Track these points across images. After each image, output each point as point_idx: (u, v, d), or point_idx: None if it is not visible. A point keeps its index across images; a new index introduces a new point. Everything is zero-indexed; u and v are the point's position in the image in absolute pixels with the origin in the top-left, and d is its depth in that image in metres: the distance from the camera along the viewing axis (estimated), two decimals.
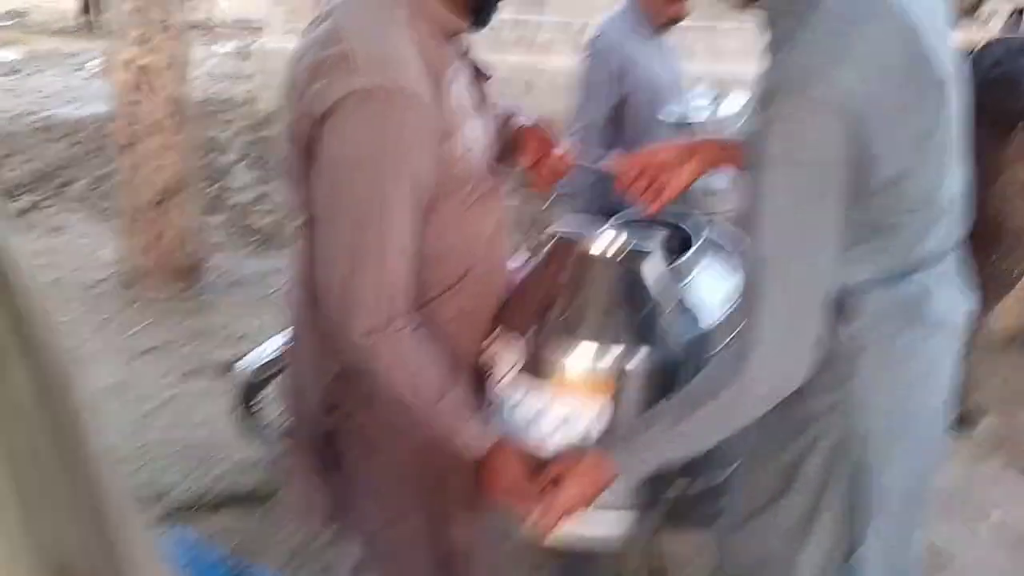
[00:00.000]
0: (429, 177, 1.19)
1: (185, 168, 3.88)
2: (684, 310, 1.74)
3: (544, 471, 1.26)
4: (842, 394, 1.19)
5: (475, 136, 1.28)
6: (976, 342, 3.65)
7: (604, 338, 1.29)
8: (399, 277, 1.18)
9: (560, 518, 1.25)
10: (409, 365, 1.21)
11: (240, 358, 2.59)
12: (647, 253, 1.37)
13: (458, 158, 1.23)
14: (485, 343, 1.37)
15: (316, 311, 1.31)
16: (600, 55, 2.66)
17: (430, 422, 1.25)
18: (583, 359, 1.28)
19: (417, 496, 1.43)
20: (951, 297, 1.24)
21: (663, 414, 1.20)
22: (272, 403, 2.74)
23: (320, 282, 1.21)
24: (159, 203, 3.83)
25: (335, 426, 1.40)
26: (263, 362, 2.46)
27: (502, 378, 1.33)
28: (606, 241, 1.34)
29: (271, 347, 2.50)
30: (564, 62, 7.49)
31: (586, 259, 1.35)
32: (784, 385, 1.13)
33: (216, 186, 5.58)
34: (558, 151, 1.40)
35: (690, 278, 1.76)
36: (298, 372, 1.44)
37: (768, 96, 1.03)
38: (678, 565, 2.23)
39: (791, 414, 1.23)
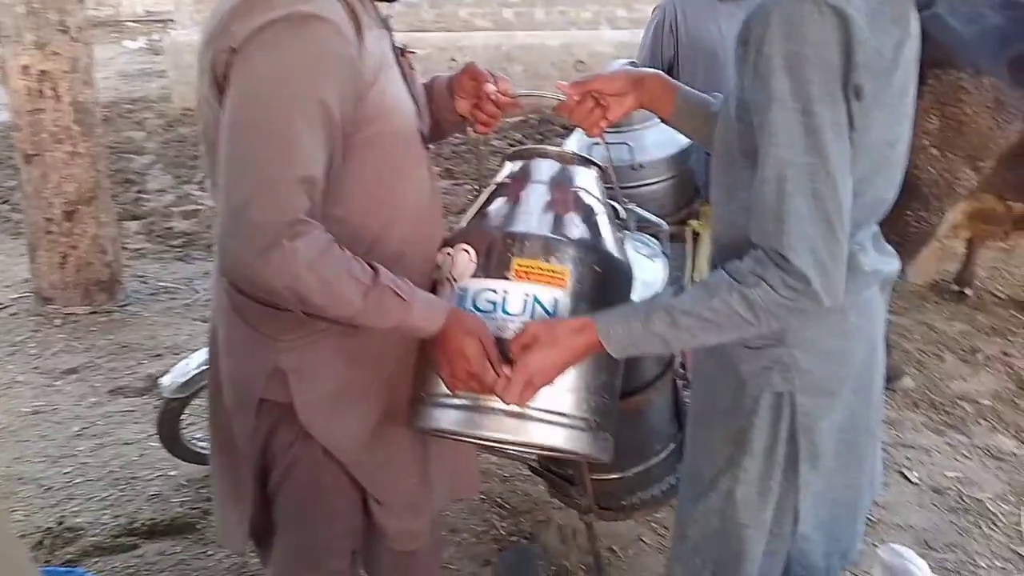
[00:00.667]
0: (345, 110, 1.15)
1: (96, 176, 3.72)
2: None
3: (516, 341, 1.21)
4: (777, 352, 1.21)
5: (402, 100, 1.27)
6: (893, 298, 3.79)
7: (555, 234, 1.28)
8: (304, 201, 1.11)
9: (532, 386, 1.18)
10: (329, 263, 1.13)
11: (162, 375, 2.51)
12: (594, 164, 1.40)
13: (384, 111, 1.21)
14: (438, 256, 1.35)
15: (244, 307, 1.28)
16: (660, 8, 2.62)
17: (371, 314, 1.16)
18: (536, 252, 1.26)
19: (353, 498, 1.41)
20: (880, 251, 1.29)
21: (672, 297, 1.17)
22: (199, 420, 2.67)
23: (221, 210, 1.14)
24: (70, 214, 3.66)
25: (271, 429, 1.35)
26: (186, 378, 2.39)
27: (456, 281, 1.29)
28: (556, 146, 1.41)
29: (194, 362, 2.43)
30: (486, 38, 7.47)
31: (536, 158, 1.37)
32: (829, 292, 1.07)
33: (133, 190, 5.38)
34: (494, 87, 1.39)
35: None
36: (227, 379, 1.38)
37: (764, 10, 1.06)
38: (622, 547, 2.25)
39: (730, 377, 1.26)
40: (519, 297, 1.25)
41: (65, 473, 2.67)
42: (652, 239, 1.85)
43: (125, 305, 3.93)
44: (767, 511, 1.30)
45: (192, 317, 3.80)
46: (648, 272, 1.78)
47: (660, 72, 1.44)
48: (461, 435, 1.30)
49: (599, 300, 1.28)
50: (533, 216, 1.31)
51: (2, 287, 4.06)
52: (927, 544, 2.35)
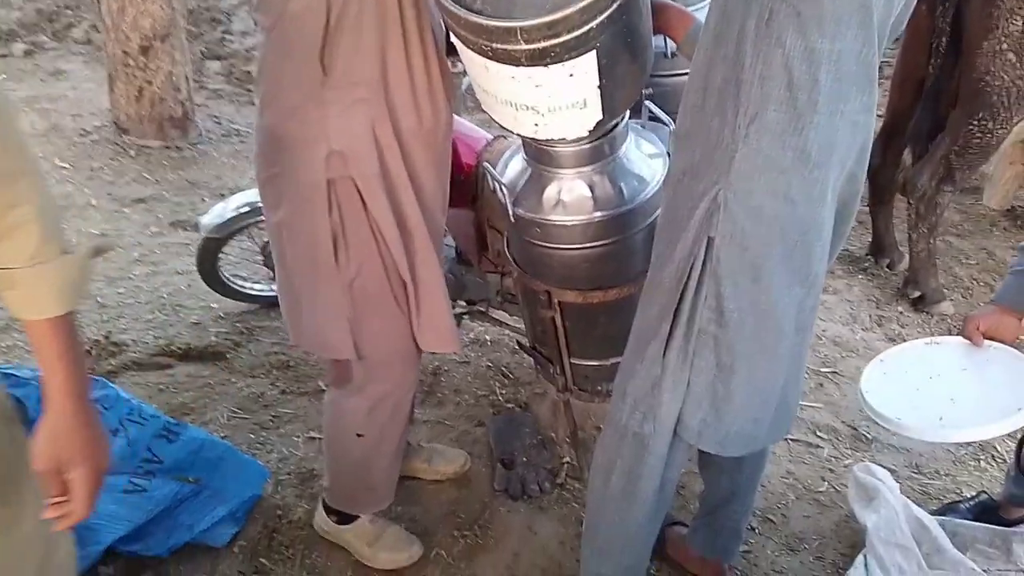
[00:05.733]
0: None
1: (171, 13, 3.81)
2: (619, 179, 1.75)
3: None
4: (716, 191, 1.26)
5: None
6: (960, 219, 3.59)
7: None
8: None
9: None
10: None
11: (203, 213, 2.67)
12: None
13: None
14: None
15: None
16: None
17: None
18: None
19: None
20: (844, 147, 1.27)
21: None
22: (240, 259, 2.85)
23: None
24: (146, 50, 3.80)
25: (340, 223, 1.54)
26: (223, 220, 2.54)
27: None
28: None
29: (232, 204, 2.57)
30: None
31: None
32: None
33: (219, 30, 5.48)
34: None
35: (623, 148, 1.75)
36: (290, 181, 1.55)
37: None
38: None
39: (680, 231, 1.31)
40: None
41: (119, 293, 2.93)
42: (657, 138, 1.83)
43: (197, 143, 4.12)
44: (685, 372, 1.38)
45: None
46: (646, 170, 1.77)
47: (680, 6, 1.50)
48: None
49: None
50: None
51: (88, 114, 4.30)
52: (917, 468, 2.35)
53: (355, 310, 1.61)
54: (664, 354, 1.38)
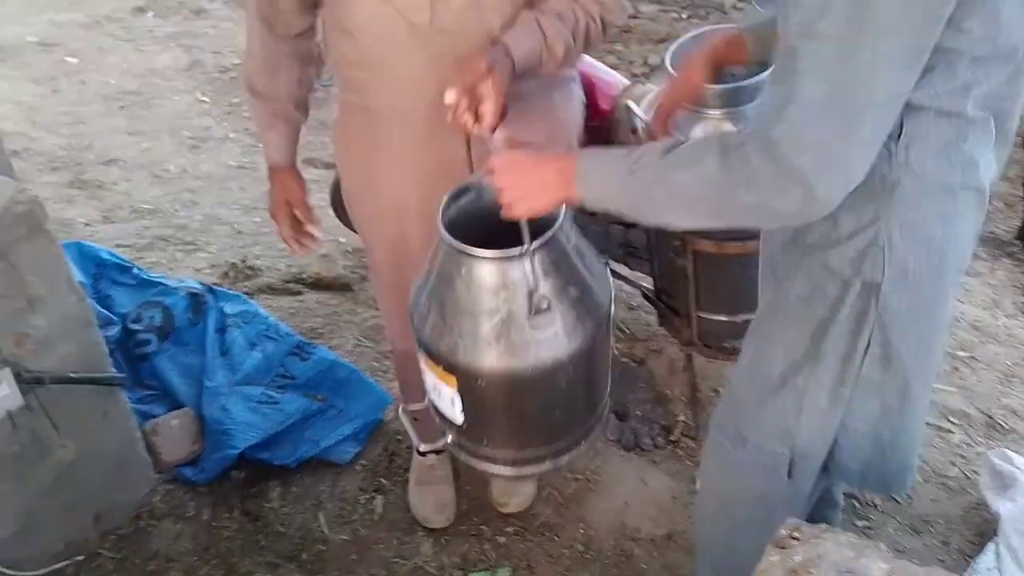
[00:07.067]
0: None
1: None
2: None
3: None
4: (872, 233, 1.09)
5: None
6: None
7: (462, 338, 1.19)
8: None
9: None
10: None
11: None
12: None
13: None
14: None
15: None
16: None
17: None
18: (431, 348, 1.24)
19: None
20: (988, 161, 1.11)
21: (658, 150, 1.05)
22: None
23: None
24: None
25: None
26: None
27: None
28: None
29: None
30: None
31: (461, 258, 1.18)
32: (815, 178, 0.94)
33: None
34: None
35: None
36: None
37: None
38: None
39: (812, 266, 1.16)
40: (429, 378, 1.30)
41: (255, 222, 3.06)
42: None
43: (328, 85, 4.15)
44: (835, 415, 1.23)
45: None
46: None
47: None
48: None
49: (498, 407, 1.26)
50: (444, 308, 1.21)
51: (228, 51, 4.46)
52: None
53: None
54: (802, 400, 1.24)
